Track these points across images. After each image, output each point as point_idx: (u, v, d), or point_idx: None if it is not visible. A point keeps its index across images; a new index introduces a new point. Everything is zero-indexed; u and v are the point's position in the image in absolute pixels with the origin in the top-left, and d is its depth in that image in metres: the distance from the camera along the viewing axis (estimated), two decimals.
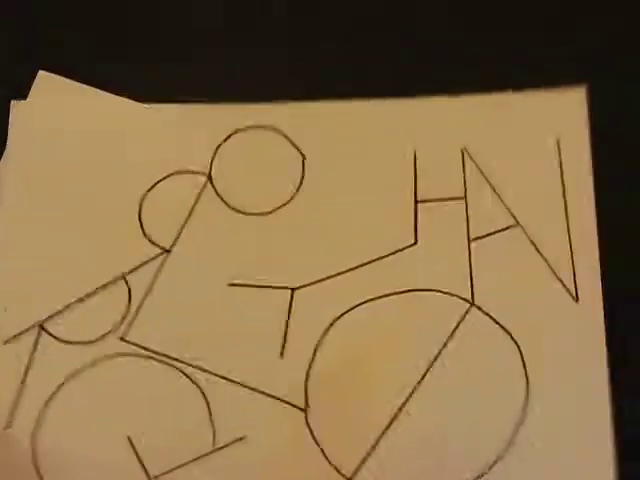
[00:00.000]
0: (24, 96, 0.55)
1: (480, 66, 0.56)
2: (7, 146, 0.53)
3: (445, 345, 0.48)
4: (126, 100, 0.55)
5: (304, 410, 0.47)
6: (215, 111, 0.54)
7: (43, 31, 0.58)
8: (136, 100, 0.55)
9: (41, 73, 0.55)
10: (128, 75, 0.56)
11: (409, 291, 0.49)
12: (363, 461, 0.46)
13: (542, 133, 0.53)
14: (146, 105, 0.55)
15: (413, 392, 0.47)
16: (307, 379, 0.47)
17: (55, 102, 0.55)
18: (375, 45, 0.58)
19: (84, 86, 0.55)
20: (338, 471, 0.46)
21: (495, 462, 0.45)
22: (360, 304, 0.49)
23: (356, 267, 0.50)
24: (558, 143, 0.52)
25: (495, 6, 0.58)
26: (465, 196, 0.52)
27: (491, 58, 0.56)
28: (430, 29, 0.58)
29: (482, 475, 0.45)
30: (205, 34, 0.58)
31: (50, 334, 0.48)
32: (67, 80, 0.55)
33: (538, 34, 0.57)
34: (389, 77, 0.56)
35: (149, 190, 0.52)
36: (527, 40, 0.57)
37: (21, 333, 0.48)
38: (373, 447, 0.46)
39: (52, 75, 0.55)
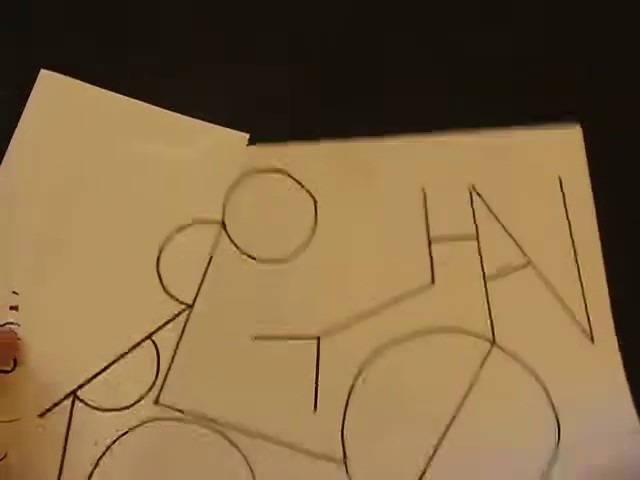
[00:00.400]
0: (26, 96, 0.53)
1: (480, 69, 0.56)
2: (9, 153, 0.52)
3: (472, 385, 0.47)
4: (131, 100, 0.53)
5: (344, 462, 0.46)
6: (224, 152, 0.52)
7: (44, 31, 0.56)
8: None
9: (43, 72, 0.53)
10: (129, 76, 0.54)
11: (431, 332, 0.49)
12: None
13: (544, 171, 0.53)
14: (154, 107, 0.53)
15: (446, 432, 0.47)
16: (343, 430, 0.47)
17: (60, 101, 0.53)
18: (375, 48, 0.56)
19: (87, 85, 0.53)
20: None
21: None
22: (386, 347, 0.49)
23: (378, 309, 0.49)
24: (560, 180, 0.53)
25: (495, 7, 0.57)
26: (477, 234, 0.51)
27: (491, 61, 0.56)
28: (430, 31, 0.57)
29: None
30: (206, 37, 0.56)
31: (84, 402, 0.47)
32: (69, 79, 0.53)
33: (538, 39, 0.57)
34: (389, 79, 0.55)
35: (165, 243, 0.51)
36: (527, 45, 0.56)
37: (56, 405, 0.47)
38: None
39: (54, 74, 0.53)
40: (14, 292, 0.49)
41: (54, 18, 0.56)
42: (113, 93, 0.53)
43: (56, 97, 0.53)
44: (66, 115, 0.53)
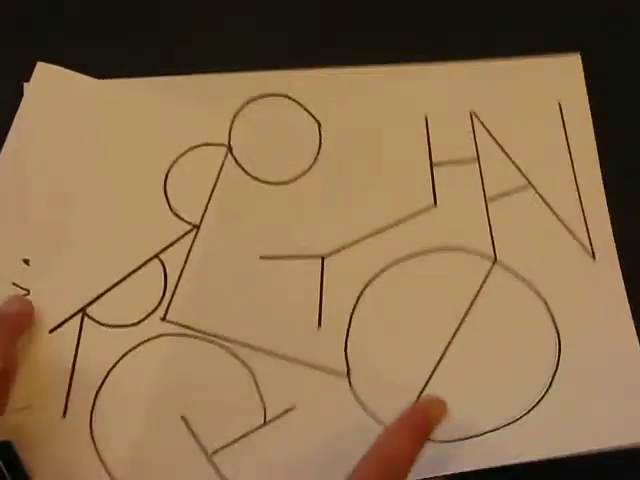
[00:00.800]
0: None
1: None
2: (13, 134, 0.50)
3: (474, 301, 0.47)
4: (131, 80, 0.52)
5: (347, 376, 0.46)
6: (227, 81, 0.52)
7: (43, 29, 0.55)
8: None
9: (39, 64, 0.51)
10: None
11: (434, 250, 0.48)
12: None
13: (544, 97, 0.52)
14: (151, 79, 0.52)
15: (449, 347, 0.47)
16: (346, 345, 0.47)
17: (57, 91, 0.51)
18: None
19: (82, 75, 0.52)
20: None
21: (532, 408, 0.46)
22: (389, 266, 0.48)
23: (381, 230, 0.49)
24: (560, 105, 0.52)
25: None
26: (478, 158, 0.51)
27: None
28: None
29: (520, 418, 0.46)
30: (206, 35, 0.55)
31: (93, 319, 0.47)
32: (65, 70, 0.52)
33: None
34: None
35: (171, 166, 0.50)
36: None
37: (65, 321, 0.46)
38: (416, 402, 0.46)
39: (50, 65, 0.52)
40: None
41: (55, 17, 0.55)
42: (108, 80, 0.52)
43: (52, 88, 0.51)
44: (63, 105, 0.51)
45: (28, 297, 0.47)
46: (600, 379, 0.46)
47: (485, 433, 0.45)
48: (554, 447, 0.44)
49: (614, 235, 0.49)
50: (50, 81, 0.51)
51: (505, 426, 0.45)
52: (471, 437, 0.45)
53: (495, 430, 0.45)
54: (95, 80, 0.51)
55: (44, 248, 0.48)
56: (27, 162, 0.50)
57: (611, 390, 0.46)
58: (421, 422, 0.42)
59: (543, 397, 0.46)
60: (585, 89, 0.52)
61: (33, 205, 0.49)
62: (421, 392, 0.46)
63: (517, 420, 0.45)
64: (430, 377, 0.46)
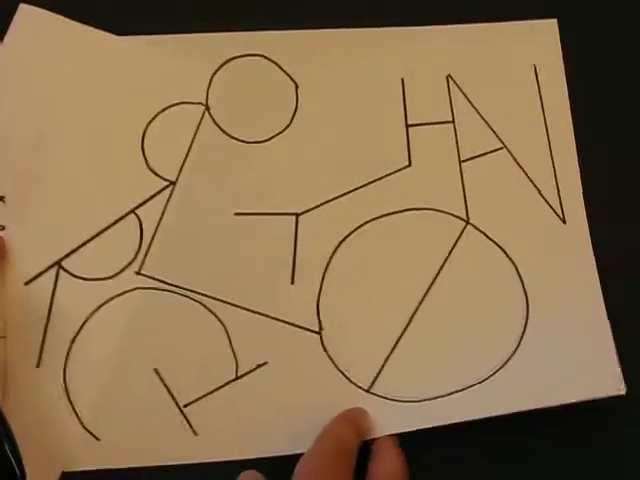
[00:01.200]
0: None
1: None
2: None
3: (446, 261, 0.47)
4: (114, 37, 0.51)
5: (319, 332, 0.45)
6: (206, 41, 0.51)
7: None
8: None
9: (22, 6, 0.51)
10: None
11: (407, 210, 0.48)
12: (379, 373, 0.45)
13: (520, 61, 0.52)
14: (132, 37, 0.51)
15: (420, 306, 0.47)
16: (319, 302, 0.46)
17: (39, 34, 0.51)
18: None
19: (65, 19, 0.51)
20: (356, 385, 0.45)
21: (501, 367, 0.45)
22: (362, 225, 0.48)
23: (355, 189, 0.49)
24: (535, 69, 0.52)
25: None
26: (453, 120, 0.50)
27: None
28: None
29: (488, 378, 0.45)
30: None
31: (68, 272, 0.46)
32: (49, 13, 0.51)
33: None
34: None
35: (149, 123, 0.50)
36: None
37: (41, 273, 0.46)
38: (387, 359, 0.46)
39: (34, 8, 0.51)
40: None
41: None
42: (93, 28, 0.51)
43: (35, 30, 0.51)
44: (45, 48, 0.51)
45: (1, 233, 0.47)
46: (566, 341, 0.46)
47: (452, 393, 0.45)
48: (519, 404, 0.44)
49: (585, 201, 0.49)
50: (33, 23, 0.51)
51: (472, 386, 0.45)
52: (438, 397, 0.45)
53: (463, 390, 0.45)
54: (79, 25, 0.51)
55: (21, 189, 0.48)
56: (5, 102, 0.49)
57: (576, 351, 0.45)
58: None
59: (510, 358, 0.45)
60: (561, 54, 0.52)
61: (11, 145, 0.48)
62: (391, 350, 0.45)
63: (485, 380, 0.45)
64: (400, 336, 0.46)
